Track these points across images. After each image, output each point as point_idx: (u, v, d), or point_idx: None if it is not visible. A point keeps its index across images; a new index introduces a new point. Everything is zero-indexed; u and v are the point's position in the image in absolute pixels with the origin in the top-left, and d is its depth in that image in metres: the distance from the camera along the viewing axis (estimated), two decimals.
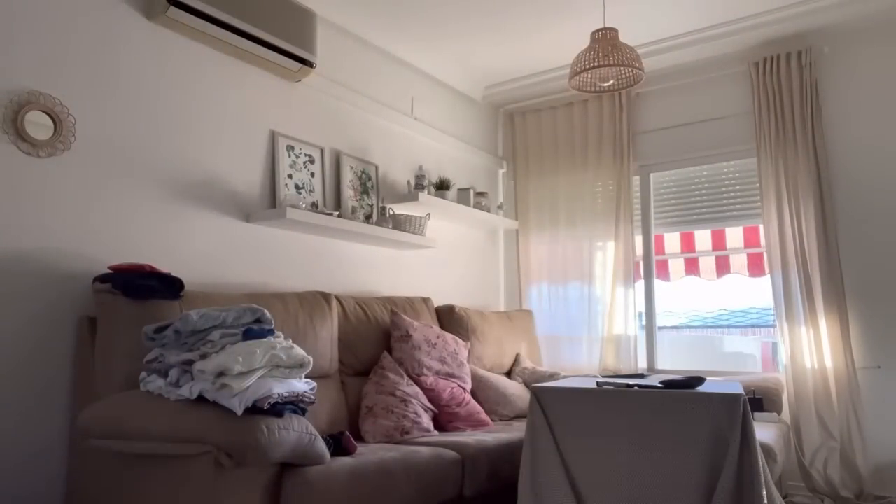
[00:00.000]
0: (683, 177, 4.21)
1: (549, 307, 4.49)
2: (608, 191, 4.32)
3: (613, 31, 3.00)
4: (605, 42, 2.97)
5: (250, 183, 3.11)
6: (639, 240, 4.28)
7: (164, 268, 2.69)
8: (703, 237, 4.19)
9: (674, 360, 4.62)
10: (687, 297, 4.27)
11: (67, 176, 2.46)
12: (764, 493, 2.13)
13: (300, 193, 3.29)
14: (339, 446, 2.35)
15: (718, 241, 4.16)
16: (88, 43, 2.56)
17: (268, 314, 2.22)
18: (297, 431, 1.98)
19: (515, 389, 3.64)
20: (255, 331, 2.13)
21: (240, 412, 1.90)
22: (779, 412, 3.50)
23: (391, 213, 3.64)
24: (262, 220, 3.06)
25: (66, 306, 2.42)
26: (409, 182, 3.89)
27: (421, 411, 2.99)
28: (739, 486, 2.14)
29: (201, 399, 2.00)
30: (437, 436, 2.91)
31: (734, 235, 4.12)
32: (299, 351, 2.10)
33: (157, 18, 2.73)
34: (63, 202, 2.44)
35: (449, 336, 3.41)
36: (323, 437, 2.22)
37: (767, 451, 2.77)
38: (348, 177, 3.59)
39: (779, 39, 3.79)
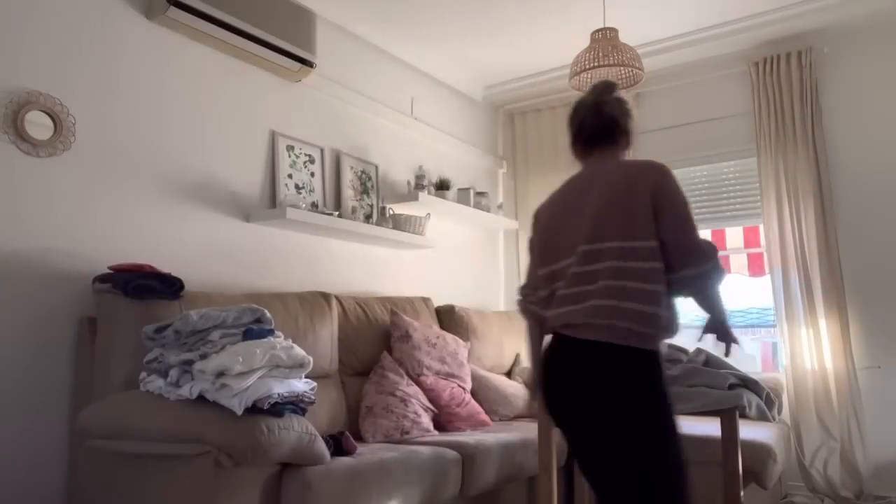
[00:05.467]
0: (683, 177, 4.20)
1: None
2: None
3: (613, 31, 3.01)
4: (605, 42, 2.97)
5: (250, 183, 3.11)
6: None
7: (164, 268, 2.69)
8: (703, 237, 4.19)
9: None
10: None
11: (67, 176, 2.46)
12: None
13: (300, 193, 3.28)
14: (339, 446, 2.34)
15: (718, 241, 4.16)
16: (88, 43, 2.56)
17: (268, 314, 2.22)
18: (297, 431, 1.98)
19: (515, 389, 3.63)
20: (255, 331, 2.13)
21: (240, 412, 1.90)
22: (779, 412, 3.50)
23: (391, 213, 3.64)
24: (262, 220, 3.06)
25: (66, 306, 2.42)
26: (409, 182, 3.89)
27: (421, 411, 2.98)
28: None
29: (201, 399, 2.00)
30: (437, 436, 2.91)
31: (734, 235, 4.12)
32: (299, 351, 2.10)
33: (157, 18, 2.73)
34: (63, 202, 2.44)
35: (449, 336, 3.41)
36: (323, 437, 2.22)
37: (767, 451, 2.77)
38: (348, 177, 3.59)
39: (779, 39, 3.78)
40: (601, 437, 1.60)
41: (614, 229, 1.64)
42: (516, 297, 1.98)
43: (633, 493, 1.57)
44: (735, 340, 1.74)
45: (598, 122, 1.77)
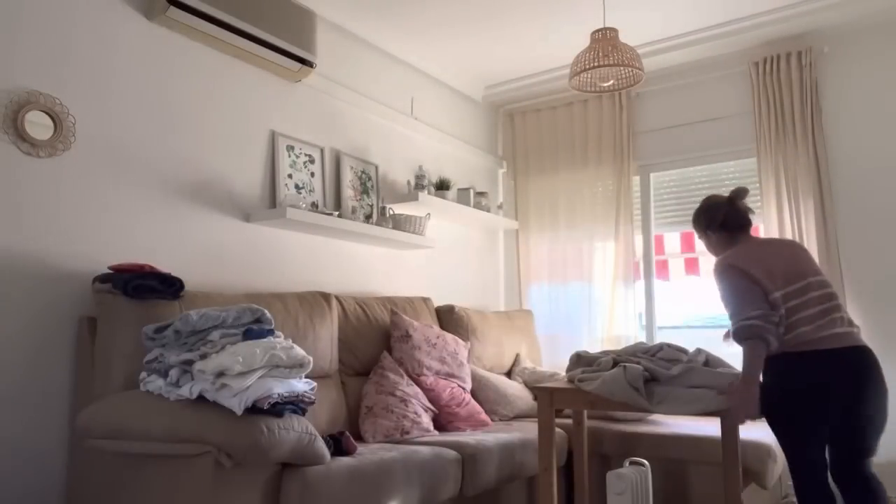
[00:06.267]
0: (683, 177, 4.21)
1: (549, 307, 4.49)
2: (608, 191, 4.32)
3: (613, 31, 3.00)
4: (605, 42, 2.97)
5: (250, 183, 3.11)
6: (639, 240, 4.28)
7: (164, 268, 2.69)
8: None
9: None
10: (687, 297, 4.28)
11: (67, 176, 2.46)
12: None
13: (300, 193, 3.29)
14: (339, 446, 2.35)
15: None
16: (88, 43, 2.56)
17: (268, 314, 2.22)
18: (297, 431, 1.98)
19: (515, 389, 3.63)
20: (255, 331, 2.13)
21: (240, 412, 1.90)
22: None
23: (391, 212, 3.64)
24: (262, 219, 3.06)
25: (66, 306, 2.42)
26: (409, 182, 3.89)
27: (421, 411, 2.99)
28: None
29: (201, 399, 2.00)
30: (437, 436, 2.91)
31: None
32: (299, 351, 2.10)
33: (157, 18, 2.73)
34: (63, 202, 2.44)
35: (449, 336, 3.41)
36: (323, 437, 2.23)
37: (767, 451, 2.77)
38: (348, 177, 3.59)
39: (779, 39, 3.79)
40: (884, 415, 2.21)
41: (814, 269, 2.34)
42: (755, 320, 2.24)
43: None
44: None
45: (738, 218, 2.52)
